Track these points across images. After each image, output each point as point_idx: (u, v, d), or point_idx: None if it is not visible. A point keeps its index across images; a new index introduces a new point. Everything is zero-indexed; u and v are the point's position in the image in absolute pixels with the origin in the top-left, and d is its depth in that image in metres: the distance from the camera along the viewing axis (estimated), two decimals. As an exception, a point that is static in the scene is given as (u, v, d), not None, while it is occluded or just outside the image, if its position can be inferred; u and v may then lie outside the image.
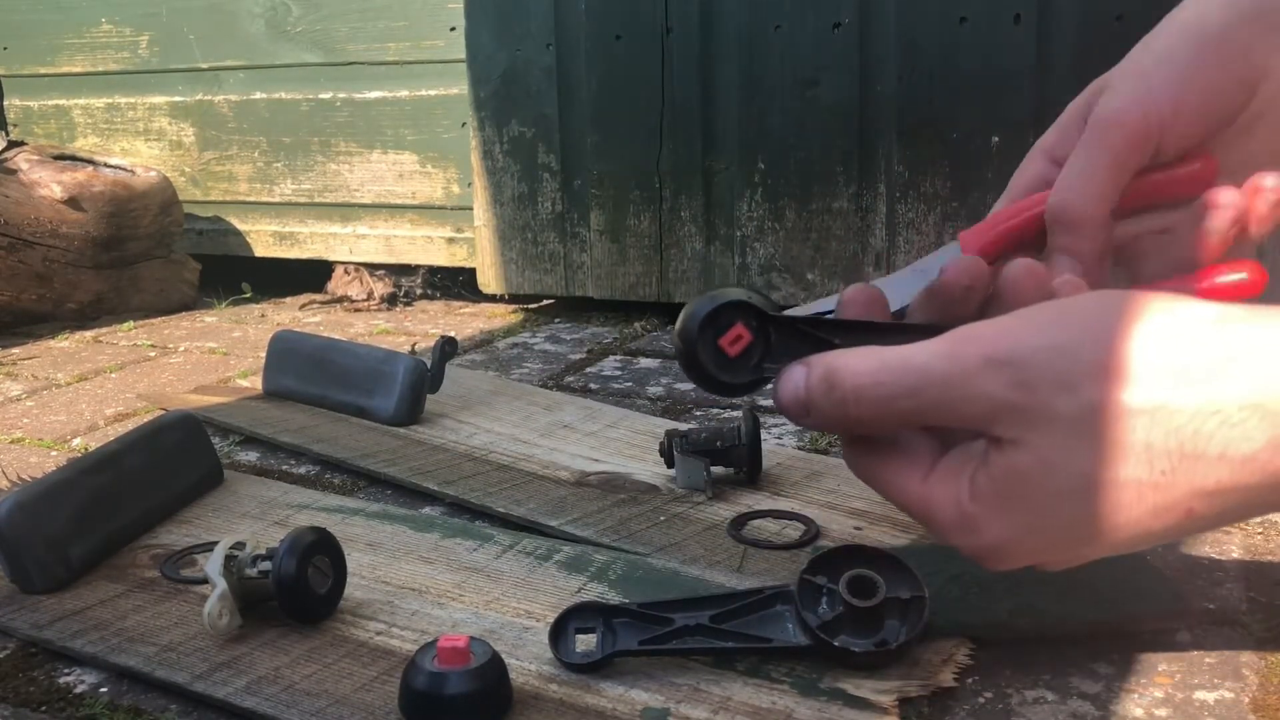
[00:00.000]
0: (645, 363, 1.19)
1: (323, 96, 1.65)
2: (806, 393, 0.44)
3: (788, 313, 0.48)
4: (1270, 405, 0.38)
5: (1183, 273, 0.51)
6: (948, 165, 1.23)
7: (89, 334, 1.44)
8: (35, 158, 1.52)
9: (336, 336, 1.21)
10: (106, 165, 1.58)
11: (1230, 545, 0.66)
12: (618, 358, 1.21)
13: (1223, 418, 0.39)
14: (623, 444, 0.87)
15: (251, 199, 1.74)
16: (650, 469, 0.80)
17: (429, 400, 0.94)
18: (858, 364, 0.44)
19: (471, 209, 1.52)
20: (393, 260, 1.65)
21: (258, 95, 1.70)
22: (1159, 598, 0.56)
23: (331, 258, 1.68)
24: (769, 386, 0.47)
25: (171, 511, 0.73)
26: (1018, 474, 0.42)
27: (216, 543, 0.58)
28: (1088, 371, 0.40)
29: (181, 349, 1.33)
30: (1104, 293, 0.43)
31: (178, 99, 1.76)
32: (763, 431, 0.78)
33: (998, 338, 0.42)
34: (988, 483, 0.43)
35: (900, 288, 0.50)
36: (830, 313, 0.49)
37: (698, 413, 0.99)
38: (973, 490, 0.43)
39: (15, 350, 1.34)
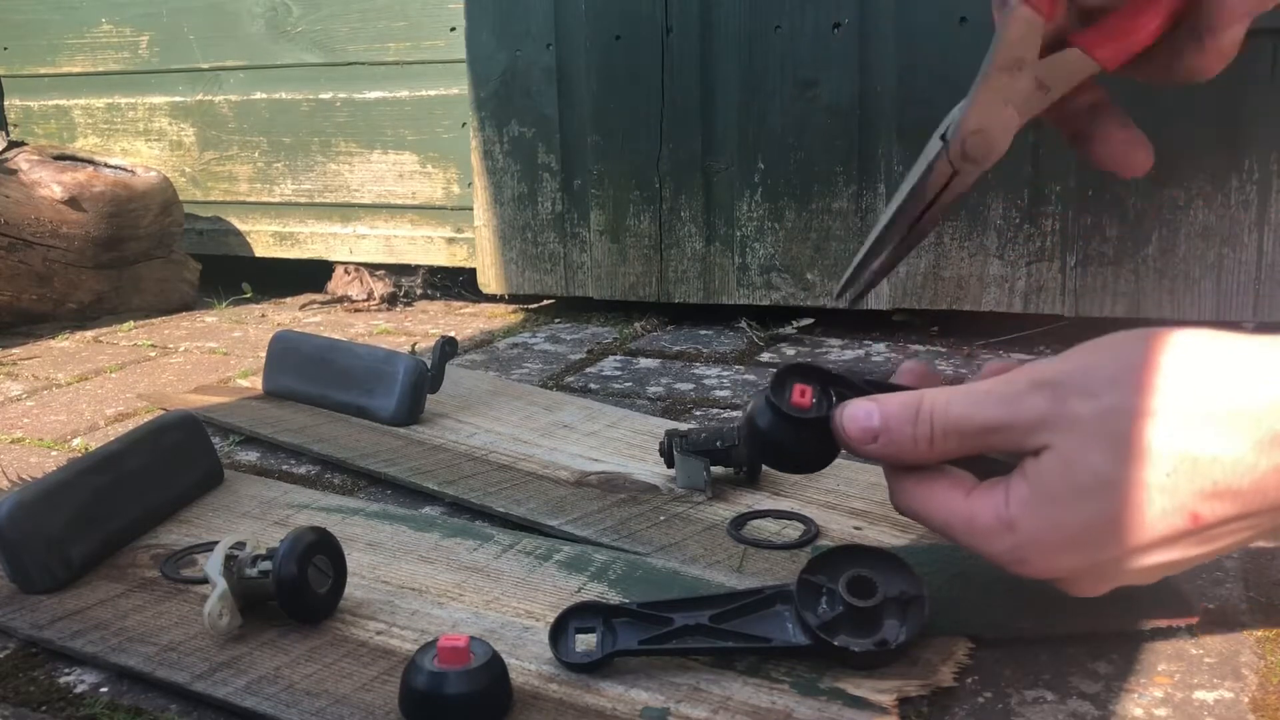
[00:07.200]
0: (645, 363, 1.19)
1: (323, 97, 1.65)
2: (881, 421, 0.50)
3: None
4: (1252, 410, 0.43)
5: None
6: (948, 165, 1.23)
7: (89, 334, 1.44)
8: (35, 158, 1.52)
9: (337, 336, 1.22)
10: (107, 165, 1.58)
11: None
12: (618, 358, 1.21)
13: (1214, 421, 0.43)
14: (623, 444, 0.87)
15: (252, 199, 1.74)
16: (650, 469, 0.80)
17: (429, 400, 0.94)
18: (936, 395, 0.50)
19: (471, 209, 1.52)
20: (393, 260, 1.65)
21: (258, 95, 1.70)
22: (1159, 598, 0.56)
23: (331, 258, 1.68)
24: None
25: (171, 511, 0.73)
26: (1046, 474, 0.46)
27: (216, 543, 0.58)
28: (1106, 382, 0.45)
29: (182, 349, 1.33)
30: (1132, 331, 0.48)
31: (178, 99, 1.76)
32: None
33: (1043, 367, 0.48)
34: (1022, 486, 0.47)
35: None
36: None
37: (697, 413, 0.99)
38: (1008, 497, 0.47)
39: (15, 350, 1.34)
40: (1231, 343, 0.45)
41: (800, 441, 0.53)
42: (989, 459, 0.50)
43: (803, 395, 0.52)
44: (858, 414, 0.51)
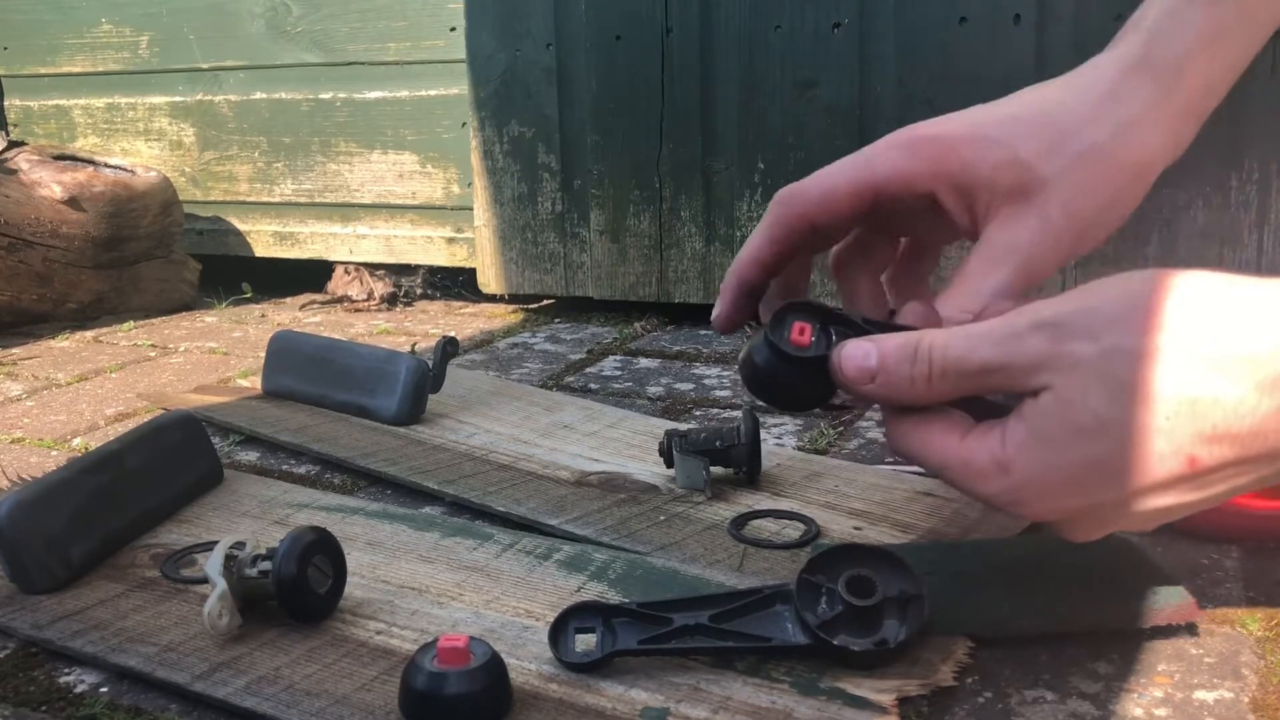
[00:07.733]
0: (645, 363, 1.19)
1: (323, 96, 1.65)
2: (879, 361, 0.49)
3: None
4: (1254, 353, 0.42)
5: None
6: (948, 165, 1.23)
7: (89, 334, 1.44)
8: (35, 158, 1.52)
9: (337, 336, 1.22)
10: (107, 165, 1.58)
11: (1230, 545, 0.66)
12: (618, 358, 1.21)
13: (1215, 363, 0.42)
14: (623, 444, 0.87)
15: (251, 199, 1.74)
16: (650, 469, 0.80)
17: (429, 400, 0.94)
18: (935, 335, 0.49)
19: (471, 209, 1.52)
20: (393, 260, 1.65)
21: (258, 95, 1.70)
22: (1159, 598, 0.56)
23: (331, 258, 1.68)
24: None
25: (171, 511, 0.73)
26: (1044, 415, 0.45)
27: (216, 542, 0.58)
28: (1108, 323, 0.44)
29: (181, 349, 1.33)
30: (1135, 272, 0.47)
31: (178, 99, 1.76)
32: (762, 431, 0.78)
33: (1043, 307, 0.47)
34: (1019, 427, 0.46)
35: None
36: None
37: (697, 413, 0.99)
38: (1005, 438, 0.47)
39: (15, 350, 1.34)
40: (1235, 285, 0.44)
41: (797, 380, 0.52)
42: (987, 401, 0.49)
43: (801, 333, 0.52)
44: (855, 353, 0.50)
